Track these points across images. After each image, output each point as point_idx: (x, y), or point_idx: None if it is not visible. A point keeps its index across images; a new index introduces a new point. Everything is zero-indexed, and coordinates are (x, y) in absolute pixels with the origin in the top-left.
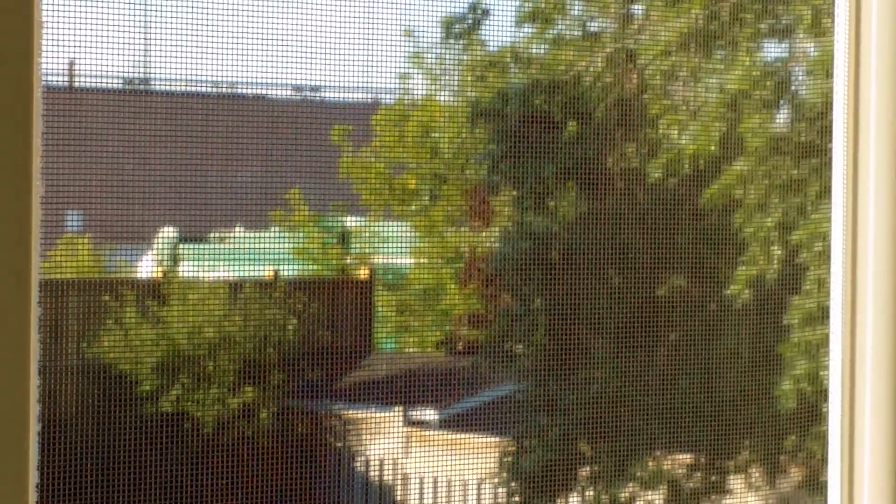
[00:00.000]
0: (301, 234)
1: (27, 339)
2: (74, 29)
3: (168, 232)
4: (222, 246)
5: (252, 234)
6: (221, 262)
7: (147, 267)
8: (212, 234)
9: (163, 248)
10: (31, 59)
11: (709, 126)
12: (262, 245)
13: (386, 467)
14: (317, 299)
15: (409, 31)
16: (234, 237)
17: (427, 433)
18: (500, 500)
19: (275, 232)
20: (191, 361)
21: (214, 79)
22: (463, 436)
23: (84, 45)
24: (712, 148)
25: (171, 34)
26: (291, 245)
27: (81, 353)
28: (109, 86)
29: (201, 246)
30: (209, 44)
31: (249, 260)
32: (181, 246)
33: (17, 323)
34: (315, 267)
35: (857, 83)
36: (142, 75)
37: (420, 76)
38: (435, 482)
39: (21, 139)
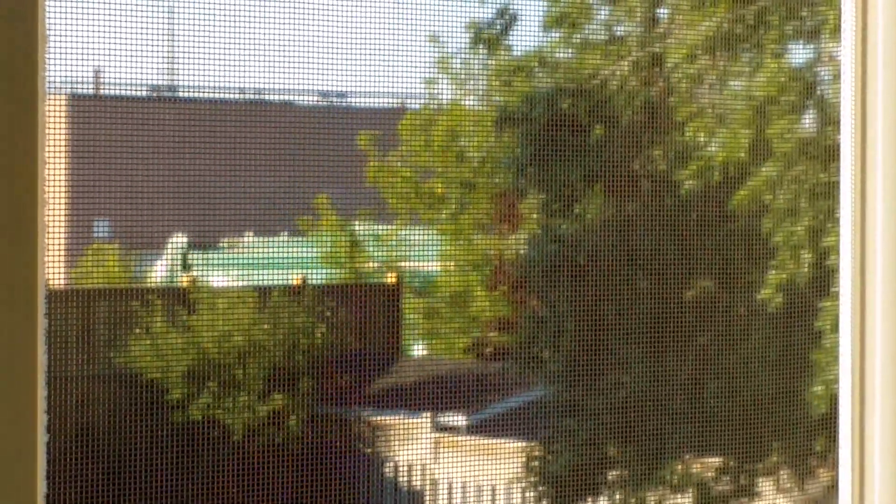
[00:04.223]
0: (329, 240)
1: (34, 349)
2: (100, 37)
3: (193, 238)
4: (250, 252)
5: (280, 241)
6: (249, 269)
7: (174, 274)
8: (239, 241)
9: (188, 256)
10: (36, 71)
11: (737, 131)
12: (290, 251)
13: (415, 473)
14: (345, 305)
15: (435, 36)
16: (262, 244)
17: (456, 438)
18: None
19: (303, 238)
20: (220, 368)
21: (241, 86)
22: (491, 440)
23: (110, 53)
24: (741, 154)
25: (197, 41)
26: (319, 251)
27: (110, 361)
28: (136, 93)
29: (229, 253)
30: (235, 51)
31: (277, 266)
32: (208, 253)
33: (24, 332)
34: (343, 273)
35: (864, 85)
36: (168, 83)
37: (446, 81)
38: (464, 487)
39: (27, 150)
